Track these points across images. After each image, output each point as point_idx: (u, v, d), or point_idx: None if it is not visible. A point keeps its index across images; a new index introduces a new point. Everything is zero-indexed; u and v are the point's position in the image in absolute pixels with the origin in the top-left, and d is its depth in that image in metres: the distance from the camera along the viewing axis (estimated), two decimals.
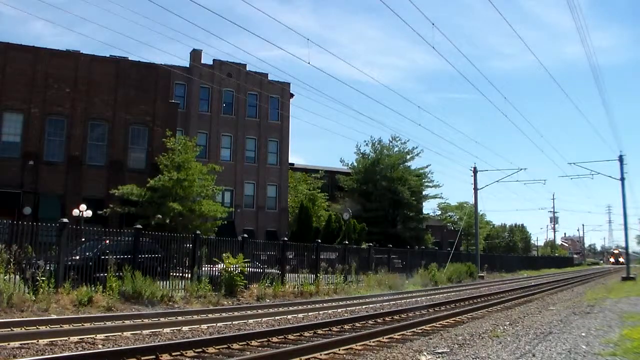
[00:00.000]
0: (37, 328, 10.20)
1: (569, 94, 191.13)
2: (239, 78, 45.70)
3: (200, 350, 8.52)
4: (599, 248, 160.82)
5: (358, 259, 27.73)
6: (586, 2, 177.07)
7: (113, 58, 36.12)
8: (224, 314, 14.00)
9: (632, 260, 50.27)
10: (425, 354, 8.44)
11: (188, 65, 44.27)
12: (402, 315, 14.88)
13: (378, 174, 52.74)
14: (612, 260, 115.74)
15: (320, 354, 8.55)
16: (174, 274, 17.71)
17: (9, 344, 8.60)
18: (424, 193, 58.48)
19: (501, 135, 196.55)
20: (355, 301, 19.30)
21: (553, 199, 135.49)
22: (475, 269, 40.57)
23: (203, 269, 18.40)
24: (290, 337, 10.35)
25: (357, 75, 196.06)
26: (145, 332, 10.56)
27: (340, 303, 18.26)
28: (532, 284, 33.62)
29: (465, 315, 14.88)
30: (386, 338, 10.47)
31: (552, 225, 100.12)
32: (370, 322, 13.16)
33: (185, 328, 11.40)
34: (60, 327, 10.55)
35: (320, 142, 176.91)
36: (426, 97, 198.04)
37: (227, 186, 43.05)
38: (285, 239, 27.46)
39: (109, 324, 11.26)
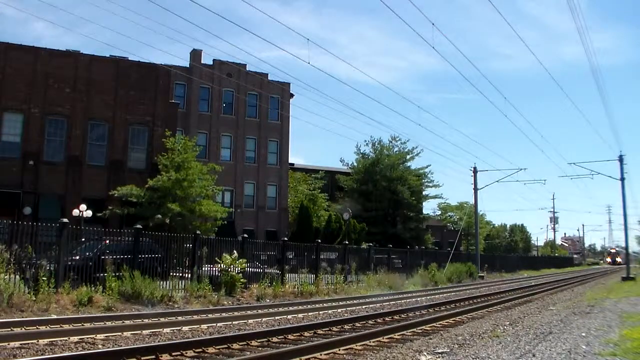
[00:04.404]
0: (37, 328, 10.20)
1: (569, 94, 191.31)
2: (239, 78, 45.69)
3: (200, 350, 8.53)
4: (599, 248, 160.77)
5: (358, 259, 27.72)
6: (586, 2, 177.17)
7: (113, 58, 36.10)
8: (224, 314, 14.00)
9: (631, 260, 50.16)
10: (425, 354, 8.44)
11: (188, 65, 44.26)
12: (402, 315, 14.88)
13: (378, 174, 52.70)
14: (609, 260, 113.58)
15: (320, 354, 8.55)
16: (174, 274, 17.71)
17: (9, 344, 8.60)
18: (424, 193, 58.45)
19: (501, 135, 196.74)
20: (355, 301, 19.30)
21: (553, 199, 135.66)
22: (475, 269, 40.54)
23: (203, 269, 18.41)
24: (290, 337, 10.35)
25: (357, 76, 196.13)
26: (145, 332, 10.56)
27: (340, 303, 18.26)
28: (532, 284, 33.62)
29: (465, 315, 14.88)
30: (386, 338, 10.47)
31: (552, 225, 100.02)
32: (370, 322, 13.16)
33: (185, 328, 11.40)
34: (60, 327, 10.55)
35: (320, 142, 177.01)
36: (426, 98, 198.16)
37: (227, 186, 43.05)
38: (285, 239, 27.46)
39: (109, 324, 11.26)
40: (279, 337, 10.19)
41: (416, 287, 27.74)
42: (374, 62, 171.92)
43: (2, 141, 32.57)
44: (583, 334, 10.09)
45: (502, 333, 10.66)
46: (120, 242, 16.89)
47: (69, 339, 9.39)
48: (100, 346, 8.97)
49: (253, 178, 46.65)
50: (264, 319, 13.41)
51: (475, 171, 45.39)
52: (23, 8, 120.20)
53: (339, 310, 16.37)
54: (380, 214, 51.25)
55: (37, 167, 32.39)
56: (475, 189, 45.55)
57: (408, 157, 55.91)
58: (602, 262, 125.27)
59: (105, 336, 9.89)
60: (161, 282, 16.40)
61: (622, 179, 39.52)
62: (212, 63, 45.79)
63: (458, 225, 64.68)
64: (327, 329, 11.58)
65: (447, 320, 13.59)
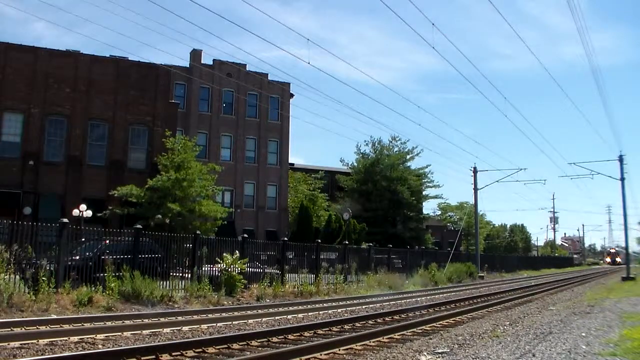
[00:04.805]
0: (37, 328, 10.20)
1: (569, 94, 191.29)
2: (239, 78, 45.69)
3: (200, 350, 8.53)
4: (599, 248, 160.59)
5: (358, 259, 27.72)
6: (586, 2, 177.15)
7: (113, 58, 36.12)
8: (224, 314, 14.00)
9: (631, 260, 50.10)
10: (425, 354, 8.44)
11: (188, 65, 44.26)
12: (402, 315, 14.88)
13: (378, 174, 52.70)
14: (608, 260, 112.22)
15: (320, 354, 8.55)
16: (174, 274, 17.71)
17: (9, 344, 8.60)
18: (424, 193, 58.46)
19: (501, 135, 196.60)
20: (355, 301, 19.30)
21: (553, 199, 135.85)
22: (475, 269, 40.54)
23: (203, 269, 18.41)
24: (290, 337, 10.35)
25: (357, 76, 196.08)
26: (145, 332, 10.56)
27: (340, 303, 18.25)
28: (532, 284, 33.61)
29: (465, 315, 14.88)
30: (386, 338, 10.47)
31: (552, 225, 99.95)
32: (370, 322, 13.16)
33: (185, 328, 11.40)
34: (60, 327, 10.55)
35: (320, 142, 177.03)
36: (426, 98, 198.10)
37: (227, 186, 43.05)
38: (285, 239, 27.44)
39: (109, 324, 11.26)
40: (279, 337, 10.19)
41: (416, 287, 27.74)
42: (374, 62, 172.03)
43: (2, 141, 32.60)
44: (583, 334, 10.09)
45: (502, 333, 10.66)
46: (120, 242, 16.89)
47: (69, 339, 9.39)
48: (100, 346, 8.97)
49: (253, 178, 46.65)
50: (264, 319, 13.41)
51: (475, 171, 45.40)
52: (23, 8, 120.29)
53: (339, 310, 16.36)
54: (380, 214, 51.24)
55: (37, 167, 32.40)
56: (475, 189, 45.57)
57: (408, 157, 55.96)
58: (602, 262, 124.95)
59: (105, 336, 9.89)
60: (161, 282, 16.40)
61: (622, 179, 39.51)
62: (212, 63, 45.80)
63: (458, 225, 64.73)
64: (327, 329, 11.58)
65: (447, 320, 13.59)
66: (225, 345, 9.02)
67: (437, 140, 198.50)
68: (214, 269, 18.54)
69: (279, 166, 47.99)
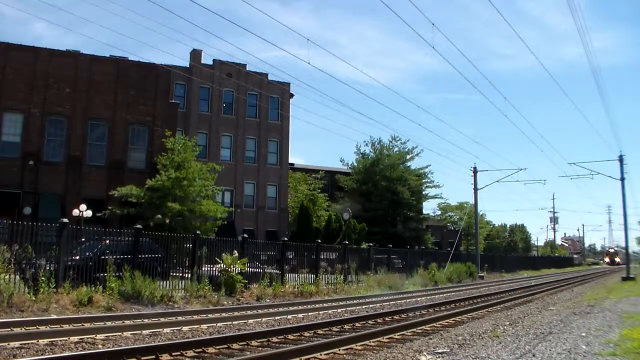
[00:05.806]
0: (37, 328, 10.20)
1: (569, 94, 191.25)
2: (239, 78, 45.67)
3: (200, 350, 8.53)
4: (599, 248, 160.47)
5: (358, 259, 27.72)
6: (586, 2, 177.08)
7: (113, 58, 36.11)
8: (224, 314, 14.00)
9: (630, 260, 50.08)
10: (425, 354, 8.44)
11: (188, 65, 44.25)
12: (402, 315, 14.88)
13: (378, 174, 52.72)
14: (607, 260, 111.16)
15: (320, 354, 8.55)
16: (174, 274, 17.71)
17: (9, 344, 8.60)
18: (424, 193, 58.48)
19: (501, 135, 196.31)
20: (355, 301, 19.30)
21: (553, 199, 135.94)
22: (475, 269, 40.54)
23: (203, 269, 18.41)
24: (290, 337, 10.35)
25: (357, 76, 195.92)
26: (145, 332, 10.56)
27: (340, 303, 18.26)
28: (532, 284, 33.61)
29: (465, 316, 14.88)
30: (386, 338, 10.47)
31: (552, 225, 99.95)
32: (370, 322, 13.16)
33: (185, 328, 11.40)
34: (60, 327, 10.55)
35: (320, 142, 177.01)
36: (426, 98, 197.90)
37: (227, 186, 43.05)
38: (285, 239, 27.46)
39: (109, 324, 11.26)
40: (279, 337, 10.19)
41: (416, 287, 27.73)
42: (374, 62, 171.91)
43: (2, 141, 32.60)
44: (583, 334, 10.09)
45: (502, 333, 10.66)
46: (120, 242, 16.89)
47: (69, 339, 9.39)
48: (100, 346, 8.98)
49: (253, 178, 46.65)
50: (264, 319, 13.41)
51: (475, 171, 45.39)
52: (23, 8, 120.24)
53: (339, 310, 16.37)
54: (380, 214, 51.25)
55: (37, 167, 32.40)
56: (475, 189, 45.57)
57: (408, 157, 55.99)
58: (602, 262, 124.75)
59: (105, 336, 9.89)
60: (161, 282, 16.40)
61: (622, 179, 39.52)
62: (212, 63, 45.79)
63: (458, 225, 64.71)
64: (327, 329, 11.58)
65: (447, 320, 13.59)
66: (225, 345, 9.02)
67: (437, 140, 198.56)
68: (214, 269, 18.54)
69: (279, 166, 47.99)
